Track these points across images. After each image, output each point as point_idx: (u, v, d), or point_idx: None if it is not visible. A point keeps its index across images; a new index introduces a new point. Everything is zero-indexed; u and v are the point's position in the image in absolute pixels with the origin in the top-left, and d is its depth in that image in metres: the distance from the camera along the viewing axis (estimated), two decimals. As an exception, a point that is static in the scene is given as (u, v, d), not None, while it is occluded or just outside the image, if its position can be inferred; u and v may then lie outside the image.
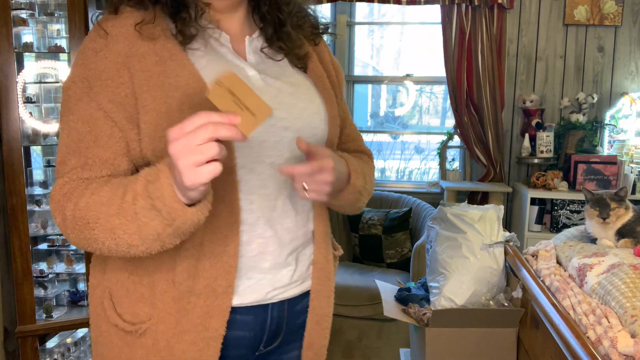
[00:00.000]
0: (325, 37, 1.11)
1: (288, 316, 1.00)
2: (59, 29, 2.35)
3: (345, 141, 1.14)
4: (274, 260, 0.95)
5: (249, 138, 0.76)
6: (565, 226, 3.14)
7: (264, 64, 0.98)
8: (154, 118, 0.86)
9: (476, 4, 3.33)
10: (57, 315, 2.36)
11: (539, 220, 3.28)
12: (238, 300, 0.93)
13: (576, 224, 3.04)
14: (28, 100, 2.29)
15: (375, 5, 3.74)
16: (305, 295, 1.02)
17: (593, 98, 3.41)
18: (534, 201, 3.26)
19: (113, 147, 0.88)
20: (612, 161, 3.18)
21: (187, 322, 0.90)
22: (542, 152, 3.38)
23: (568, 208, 3.22)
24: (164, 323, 0.90)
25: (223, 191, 0.88)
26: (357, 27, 3.85)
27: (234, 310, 0.92)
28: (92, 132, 0.87)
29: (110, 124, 0.87)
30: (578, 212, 3.20)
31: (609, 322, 1.45)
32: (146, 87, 0.87)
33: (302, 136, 0.92)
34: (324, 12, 3.83)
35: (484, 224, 2.08)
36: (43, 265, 2.43)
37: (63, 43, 2.32)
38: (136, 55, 0.88)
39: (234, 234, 0.90)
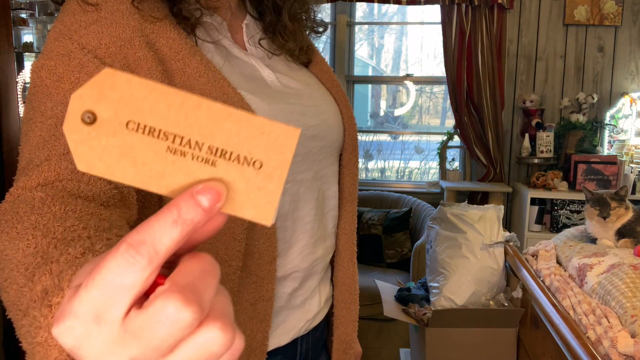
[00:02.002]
0: (326, 39, 0.98)
1: (313, 344, 0.86)
2: (59, 29, 2.35)
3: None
4: (305, 295, 0.81)
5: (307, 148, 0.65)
6: (565, 226, 3.14)
7: (268, 58, 0.80)
8: None
9: (476, 4, 3.33)
10: (57, 315, 2.36)
11: (539, 220, 3.28)
12: (274, 344, 0.77)
13: (576, 224, 3.04)
14: (28, 100, 2.30)
15: (375, 5, 3.74)
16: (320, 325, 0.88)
17: (593, 98, 3.41)
18: (534, 201, 3.26)
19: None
20: (612, 161, 3.18)
21: None
22: (542, 152, 3.38)
23: (568, 208, 3.22)
24: None
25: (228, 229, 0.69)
26: (357, 27, 3.85)
27: (279, 350, 0.78)
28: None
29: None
30: (578, 212, 3.20)
31: (609, 322, 1.45)
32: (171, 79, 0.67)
33: (327, 145, 0.79)
34: (324, 12, 3.83)
35: (484, 224, 2.09)
36: (43, 265, 2.43)
37: (63, 43, 2.33)
38: (137, 36, 0.65)
39: (272, 275, 0.73)
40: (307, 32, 0.88)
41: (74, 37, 0.63)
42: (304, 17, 0.86)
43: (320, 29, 0.90)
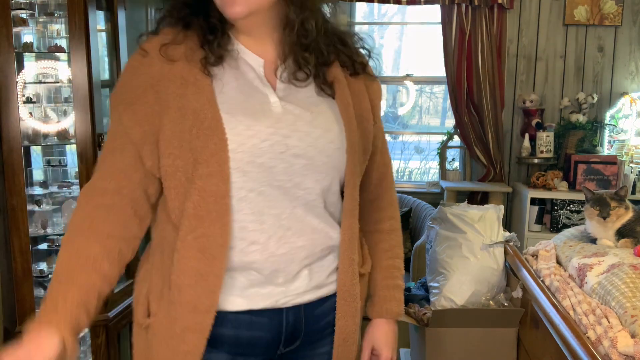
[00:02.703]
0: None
1: (306, 320, 1.03)
2: (59, 29, 2.34)
3: (367, 200, 1.12)
4: (287, 277, 0.99)
5: (269, 163, 0.93)
6: (565, 226, 3.14)
7: (289, 89, 1.00)
8: (167, 136, 0.92)
9: (476, 4, 3.33)
10: (57, 315, 2.36)
11: (539, 220, 3.28)
12: (248, 306, 0.98)
13: (576, 224, 3.03)
14: (28, 100, 2.29)
15: (375, 5, 3.74)
16: (325, 300, 1.04)
17: (593, 98, 3.41)
18: (534, 201, 3.26)
19: (125, 160, 0.96)
20: (612, 161, 3.18)
21: (172, 331, 0.96)
22: (542, 152, 3.38)
23: (568, 208, 3.22)
24: (158, 324, 0.98)
25: (216, 214, 0.92)
26: (357, 27, 3.85)
27: (249, 314, 0.98)
28: (110, 144, 1.00)
29: (125, 139, 0.96)
30: (578, 212, 3.20)
31: (609, 322, 1.45)
32: (167, 109, 0.93)
33: (315, 165, 0.97)
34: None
35: (484, 224, 2.08)
36: (43, 265, 2.42)
37: (63, 43, 2.32)
38: (166, 78, 0.94)
39: (222, 255, 0.93)
40: (347, 65, 1.05)
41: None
42: (339, 52, 1.04)
43: (358, 66, 1.07)
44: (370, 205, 1.15)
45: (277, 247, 0.96)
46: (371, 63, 1.12)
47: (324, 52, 1.01)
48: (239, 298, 0.98)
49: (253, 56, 0.99)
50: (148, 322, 0.99)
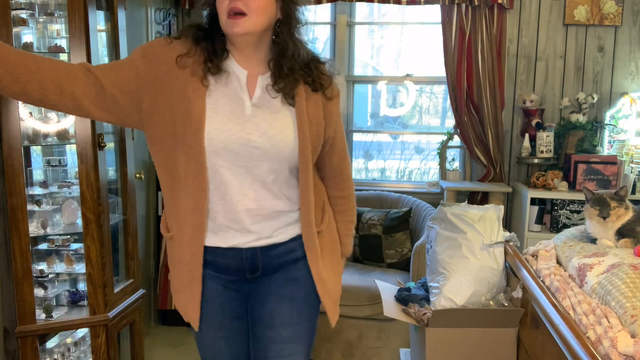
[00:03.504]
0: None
1: (263, 258, 1.46)
2: (59, 29, 2.34)
3: (328, 176, 1.58)
4: (243, 227, 1.42)
5: (234, 150, 1.35)
6: (565, 226, 3.14)
7: (262, 97, 1.38)
8: (160, 104, 1.35)
9: (476, 4, 3.33)
10: (57, 315, 2.35)
11: (539, 220, 3.28)
12: (220, 244, 1.44)
13: (576, 224, 3.03)
14: (28, 100, 2.29)
15: (375, 5, 3.73)
16: (278, 246, 1.47)
17: (593, 98, 3.41)
18: (534, 201, 3.26)
19: (122, 80, 1.32)
20: (612, 161, 3.18)
21: (181, 241, 1.43)
22: (542, 152, 3.38)
23: (568, 208, 3.22)
24: (174, 236, 1.46)
25: (193, 174, 1.36)
26: (357, 27, 3.85)
27: (221, 249, 1.44)
28: (118, 61, 1.42)
29: (131, 64, 1.35)
30: (578, 212, 3.20)
31: (609, 322, 1.45)
32: (172, 86, 1.33)
33: (269, 154, 1.37)
34: (324, 12, 3.83)
35: (484, 224, 2.08)
36: (43, 265, 2.42)
37: (63, 43, 2.32)
38: (176, 69, 1.34)
39: (204, 203, 1.38)
40: (311, 84, 1.42)
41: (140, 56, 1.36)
42: (307, 76, 1.41)
43: (317, 86, 1.43)
44: (334, 179, 1.59)
45: (237, 206, 1.39)
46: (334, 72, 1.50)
47: (294, 73, 1.38)
48: (214, 237, 1.43)
49: (240, 68, 1.37)
50: (170, 235, 1.48)
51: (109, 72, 1.31)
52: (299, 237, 1.48)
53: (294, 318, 1.49)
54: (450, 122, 3.74)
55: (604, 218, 1.88)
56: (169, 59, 1.33)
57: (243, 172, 1.37)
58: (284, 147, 1.38)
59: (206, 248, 1.42)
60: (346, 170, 1.60)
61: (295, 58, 1.37)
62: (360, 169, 4.05)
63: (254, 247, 1.44)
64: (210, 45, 1.35)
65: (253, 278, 1.49)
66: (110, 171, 2.59)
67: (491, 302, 2.01)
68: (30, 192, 2.33)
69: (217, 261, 1.45)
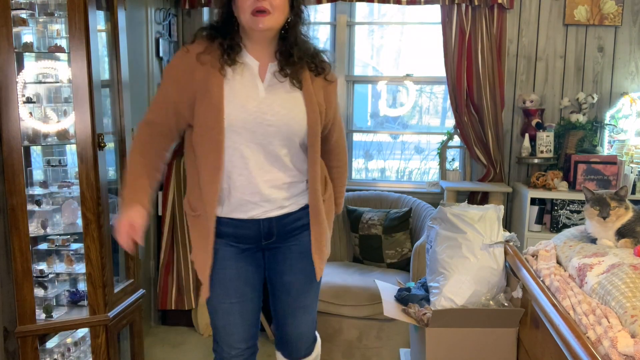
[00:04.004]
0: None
1: (277, 226, 1.72)
2: (59, 29, 2.34)
3: (328, 150, 1.82)
4: (263, 197, 1.65)
5: (251, 128, 1.58)
6: (565, 226, 3.14)
7: (272, 82, 1.62)
8: (199, 113, 1.59)
9: (476, 4, 3.33)
10: (57, 315, 2.35)
11: (539, 220, 3.28)
12: (242, 216, 1.68)
13: (576, 224, 3.03)
14: (28, 100, 2.29)
15: (375, 5, 3.73)
16: (290, 215, 1.72)
17: (593, 98, 3.41)
18: (534, 201, 3.26)
19: (164, 111, 1.64)
20: (612, 161, 3.18)
21: (204, 216, 1.67)
22: (542, 152, 3.38)
23: (568, 208, 3.22)
24: (201, 215, 1.69)
25: (212, 160, 1.60)
26: (357, 27, 3.85)
27: (242, 220, 1.68)
28: (158, 100, 1.66)
29: (168, 99, 1.62)
30: (578, 212, 3.20)
31: (609, 322, 1.45)
32: (197, 88, 1.58)
33: (282, 131, 1.60)
34: (324, 12, 3.83)
35: (484, 224, 2.08)
36: (43, 265, 2.42)
37: (63, 43, 2.32)
38: (197, 70, 1.58)
39: (218, 180, 1.61)
40: (314, 70, 1.67)
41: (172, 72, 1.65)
42: (311, 63, 1.66)
43: (320, 70, 1.68)
44: (334, 152, 1.85)
45: (256, 178, 1.62)
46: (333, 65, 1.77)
47: (301, 61, 1.62)
48: (236, 211, 1.67)
49: (252, 59, 1.62)
50: (194, 214, 1.70)
51: (165, 118, 1.65)
52: (306, 207, 1.74)
53: (306, 286, 1.80)
54: (450, 122, 3.74)
55: (604, 218, 1.88)
56: (190, 63, 1.59)
57: (260, 148, 1.61)
58: (294, 124, 1.61)
59: (228, 220, 1.68)
60: (342, 144, 1.88)
61: (302, 49, 1.61)
62: (360, 169, 4.05)
63: (269, 217, 1.69)
64: (225, 41, 1.57)
65: (267, 244, 1.75)
66: (110, 171, 2.59)
67: (491, 302, 2.01)
68: (30, 192, 2.33)
69: (237, 232, 1.70)
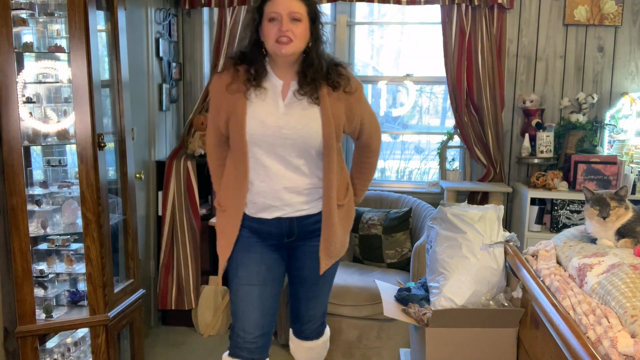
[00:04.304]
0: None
1: (297, 225, 1.92)
2: (59, 29, 2.34)
3: (360, 147, 2.07)
4: (281, 202, 1.88)
5: (270, 141, 1.82)
6: (565, 226, 3.14)
7: (292, 99, 1.83)
8: (230, 129, 1.86)
9: (476, 4, 3.33)
10: (57, 315, 2.35)
11: (539, 220, 3.28)
12: (267, 216, 1.90)
13: (576, 224, 3.03)
14: (28, 100, 2.29)
15: (375, 5, 3.74)
16: (310, 217, 1.92)
17: (593, 98, 3.41)
18: (534, 201, 3.26)
19: (216, 136, 1.94)
20: (612, 161, 3.18)
21: (231, 212, 1.92)
22: (542, 152, 3.38)
23: (568, 208, 3.22)
24: (227, 211, 1.94)
25: (242, 163, 1.85)
26: (357, 27, 3.85)
27: (266, 219, 1.90)
28: (209, 126, 1.97)
29: (215, 125, 1.92)
30: (578, 212, 3.20)
31: (609, 322, 1.45)
32: (230, 114, 1.84)
33: (297, 143, 1.81)
34: (324, 12, 3.83)
35: (484, 224, 2.08)
36: (43, 265, 2.42)
37: (63, 43, 2.32)
38: (228, 94, 1.84)
39: (245, 186, 1.87)
40: (332, 85, 1.85)
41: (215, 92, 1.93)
42: (328, 81, 1.84)
43: (336, 84, 1.85)
44: (363, 150, 2.06)
45: (276, 184, 1.85)
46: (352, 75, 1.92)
47: (315, 81, 1.81)
48: (262, 212, 1.90)
49: (277, 79, 1.84)
50: (221, 209, 1.95)
51: (217, 127, 1.91)
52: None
53: (319, 281, 2.03)
54: (450, 122, 3.74)
55: (604, 218, 1.88)
56: (221, 91, 1.85)
57: (279, 159, 1.83)
58: (309, 137, 1.81)
59: (253, 218, 1.91)
60: (373, 144, 2.04)
61: (317, 70, 1.80)
62: (360, 169, 4.04)
63: (291, 217, 1.90)
64: (252, 67, 1.81)
65: (289, 242, 1.95)
66: (110, 171, 2.59)
67: (491, 302, 2.01)
68: (30, 192, 2.33)
69: (262, 228, 1.92)
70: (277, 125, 1.79)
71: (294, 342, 2.20)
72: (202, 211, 3.48)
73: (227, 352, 1.98)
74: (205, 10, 3.71)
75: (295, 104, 1.81)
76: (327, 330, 2.24)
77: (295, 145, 1.80)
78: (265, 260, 1.93)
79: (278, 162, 1.83)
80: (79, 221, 2.36)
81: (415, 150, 4.00)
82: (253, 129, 1.79)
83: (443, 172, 3.65)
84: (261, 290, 1.92)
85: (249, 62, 1.82)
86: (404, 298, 2.19)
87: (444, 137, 3.67)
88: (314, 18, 1.81)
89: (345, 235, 2.01)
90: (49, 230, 2.38)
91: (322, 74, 1.81)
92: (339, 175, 1.93)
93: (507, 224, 3.61)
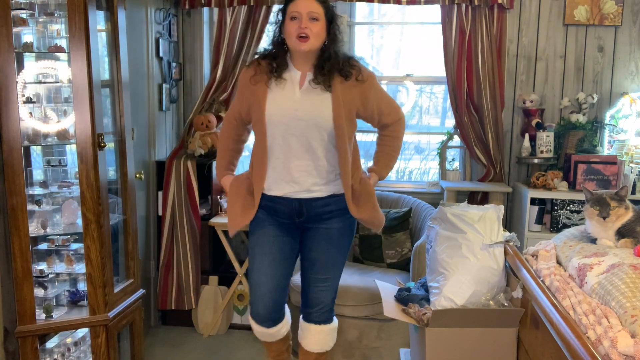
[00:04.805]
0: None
1: (306, 207, 2.13)
2: (59, 29, 2.34)
3: (382, 122, 2.23)
4: (293, 178, 2.10)
5: (285, 122, 2.05)
6: (565, 226, 3.14)
7: (308, 88, 2.07)
8: (252, 113, 2.14)
9: (476, 4, 3.33)
10: (57, 315, 2.35)
11: (539, 220, 3.28)
12: (277, 193, 2.14)
13: (576, 224, 3.03)
14: (28, 100, 2.29)
15: (375, 5, 3.73)
16: (318, 199, 2.13)
17: (593, 98, 3.41)
18: (534, 201, 3.26)
19: (235, 119, 2.25)
20: (612, 161, 3.18)
21: (250, 192, 2.20)
22: (542, 152, 3.38)
23: (568, 208, 3.22)
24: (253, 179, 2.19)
25: (261, 142, 2.10)
26: (357, 27, 3.85)
27: (278, 197, 2.14)
28: (232, 108, 2.28)
29: (236, 109, 2.23)
30: (578, 212, 3.20)
31: (609, 322, 1.45)
32: (252, 101, 2.12)
33: (310, 124, 2.05)
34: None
35: (484, 224, 2.08)
36: (43, 265, 2.42)
37: (63, 43, 2.32)
38: (252, 84, 2.12)
39: (265, 162, 2.11)
40: (345, 75, 2.08)
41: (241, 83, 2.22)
42: (341, 71, 2.07)
43: (347, 74, 2.08)
44: (385, 128, 2.25)
45: (289, 162, 2.08)
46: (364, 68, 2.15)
47: (330, 72, 2.05)
48: (273, 189, 2.13)
49: (296, 70, 2.10)
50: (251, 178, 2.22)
51: (236, 116, 2.23)
52: (333, 196, 2.14)
53: (328, 264, 2.21)
54: (450, 122, 3.74)
55: (604, 218, 1.88)
56: (247, 81, 2.12)
57: (294, 139, 2.06)
58: (320, 118, 2.03)
59: (269, 196, 2.14)
60: (393, 122, 2.23)
61: (332, 63, 2.04)
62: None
63: (299, 198, 2.12)
64: (275, 61, 2.08)
65: (300, 222, 2.17)
66: (110, 171, 2.60)
67: (491, 302, 2.01)
68: (30, 192, 2.33)
69: (275, 206, 2.15)
70: (293, 108, 2.03)
71: (303, 327, 2.33)
72: (202, 211, 3.48)
73: (250, 315, 2.30)
74: (205, 10, 3.71)
75: (310, 91, 2.05)
76: (336, 320, 2.37)
77: (307, 126, 2.03)
78: (278, 241, 2.18)
79: (293, 142, 2.05)
80: (79, 221, 2.36)
81: (415, 150, 4.00)
82: (272, 110, 2.04)
83: (443, 172, 3.65)
84: (272, 268, 2.17)
85: (272, 57, 2.09)
86: (404, 298, 2.19)
87: (444, 137, 3.67)
88: (331, 19, 2.06)
89: (373, 204, 2.22)
90: (49, 230, 2.38)
91: (336, 67, 2.04)
92: (353, 167, 2.13)
93: (507, 224, 3.61)
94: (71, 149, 2.49)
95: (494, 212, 2.12)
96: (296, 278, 2.81)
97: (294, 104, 2.04)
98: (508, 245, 2.10)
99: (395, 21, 3.92)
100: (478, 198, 3.55)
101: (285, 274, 2.22)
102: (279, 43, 2.09)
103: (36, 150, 2.54)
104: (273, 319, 2.25)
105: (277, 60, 2.07)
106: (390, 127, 2.23)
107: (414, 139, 4.00)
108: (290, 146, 2.06)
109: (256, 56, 2.18)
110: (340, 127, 2.04)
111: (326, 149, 2.08)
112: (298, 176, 2.08)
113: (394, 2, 3.42)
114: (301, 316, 2.36)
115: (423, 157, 3.99)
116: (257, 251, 2.19)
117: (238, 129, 2.27)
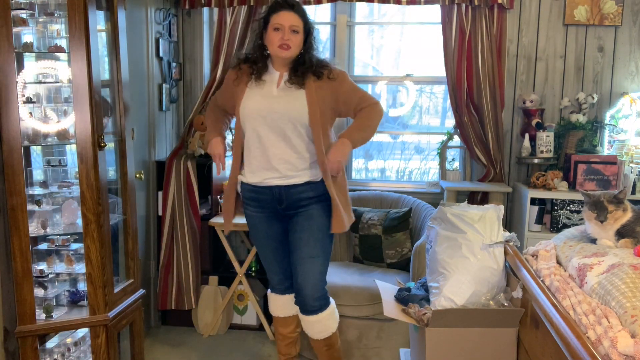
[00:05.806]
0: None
1: (285, 194, 2.34)
2: (59, 29, 2.34)
3: (357, 110, 2.37)
4: (272, 165, 2.31)
5: (263, 115, 2.29)
6: (565, 226, 3.14)
7: (284, 87, 2.31)
8: (234, 109, 2.40)
9: (476, 4, 3.33)
10: (57, 315, 2.35)
11: (539, 220, 3.28)
12: (256, 180, 2.36)
13: (576, 224, 3.03)
14: (28, 100, 2.29)
15: (375, 5, 3.73)
16: (296, 186, 2.33)
17: (593, 98, 3.41)
18: (534, 201, 3.26)
19: (218, 107, 2.55)
20: (612, 161, 3.18)
21: (231, 178, 2.47)
22: (542, 152, 3.38)
23: (568, 208, 3.22)
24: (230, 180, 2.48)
25: (242, 137, 2.37)
26: (357, 27, 3.85)
27: (259, 186, 2.37)
28: (216, 99, 2.56)
29: (217, 103, 2.55)
30: (578, 212, 3.20)
31: (609, 322, 1.45)
32: (235, 99, 2.38)
33: (284, 117, 2.28)
34: (324, 12, 3.83)
35: (484, 224, 2.08)
36: (43, 265, 2.42)
37: (63, 43, 2.32)
38: (234, 84, 2.39)
39: (246, 151, 2.37)
40: (318, 74, 2.33)
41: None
42: (315, 72, 2.32)
43: (319, 74, 2.32)
44: (363, 109, 2.36)
45: (268, 150, 2.30)
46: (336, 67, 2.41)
47: (303, 74, 2.29)
48: (252, 177, 2.36)
49: (274, 71, 2.35)
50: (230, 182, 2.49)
51: (223, 104, 2.52)
52: (309, 183, 2.34)
53: (310, 241, 2.36)
54: (450, 122, 3.74)
55: (602, 222, 1.88)
56: (230, 81, 2.41)
57: (270, 130, 2.28)
58: (294, 112, 2.26)
59: (252, 186, 2.39)
60: (364, 107, 2.36)
61: (307, 67, 2.29)
62: (360, 169, 4.05)
63: (279, 185, 2.32)
64: (255, 66, 2.33)
65: (282, 210, 2.38)
66: (110, 171, 2.59)
67: (491, 302, 2.01)
68: (30, 192, 2.33)
69: (258, 197, 2.39)
70: (270, 103, 2.28)
71: (303, 320, 2.48)
72: (202, 211, 3.48)
73: (269, 289, 2.62)
74: (205, 10, 3.71)
75: (286, 89, 2.30)
76: (332, 303, 2.50)
77: (282, 118, 2.26)
78: (269, 232, 2.45)
79: (270, 133, 2.28)
80: (79, 221, 2.36)
81: (415, 150, 4.00)
82: (249, 105, 2.30)
83: (443, 172, 3.65)
84: (272, 253, 2.50)
85: (253, 61, 2.34)
86: (404, 298, 2.19)
87: (444, 137, 3.67)
88: (309, 31, 2.32)
89: (346, 195, 2.46)
90: (49, 230, 2.38)
91: (310, 69, 2.29)
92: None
93: (507, 224, 3.61)
94: (71, 149, 2.49)
95: (494, 212, 2.12)
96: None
97: (271, 99, 2.28)
98: (508, 245, 2.10)
99: (395, 21, 3.92)
100: (478, 198, 3.55)
101: (285, 258, 2.49)
102: (260, 47, 2.33)
103: (36, 150, 2.54)
104: (285, 287, 2.55)
105: (257, 64, 2.32)
106: (365, 109, 2.35)
107: (414, 139, 4.00)
108: (268, 136, 2.28)
109: (236, 60, 2.42)
110: (315, 121, 2.26)
111: (301, 139, 2.30)
112: (275, 163, 2.30)
113: (394, 2, 3.42)
114: (299, 309, 2.46)
115: (423, 157, 3.99)
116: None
117: (222, 110, 2.55)
